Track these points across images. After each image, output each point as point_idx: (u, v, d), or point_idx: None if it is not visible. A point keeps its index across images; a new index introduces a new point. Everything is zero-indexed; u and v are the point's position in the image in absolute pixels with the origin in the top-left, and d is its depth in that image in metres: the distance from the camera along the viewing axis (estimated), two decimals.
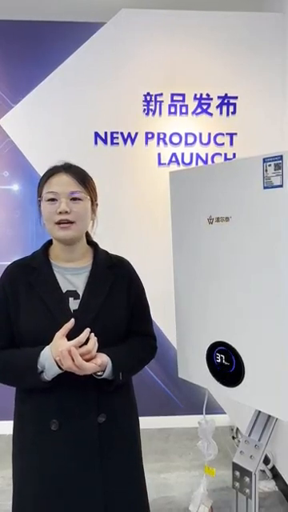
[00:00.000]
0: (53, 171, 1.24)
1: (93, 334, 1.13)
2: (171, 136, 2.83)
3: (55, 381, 1.14)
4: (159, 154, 2.83)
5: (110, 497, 1.20)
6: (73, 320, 1.14)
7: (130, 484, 1.27)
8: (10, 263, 1.30)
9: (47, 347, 1.14)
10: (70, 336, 1.12)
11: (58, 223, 1.19)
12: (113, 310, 1.23)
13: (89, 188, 1.25)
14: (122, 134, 2.80)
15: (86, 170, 1.28)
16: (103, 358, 1.15)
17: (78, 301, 1.21)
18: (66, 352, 1.08)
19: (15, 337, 1.23)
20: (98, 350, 1.15)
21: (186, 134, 2.83)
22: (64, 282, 1.24)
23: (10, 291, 1.23)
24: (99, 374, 1.16)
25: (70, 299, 1.21)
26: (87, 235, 1.33)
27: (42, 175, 1.27)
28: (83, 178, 1.24)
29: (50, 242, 1.31)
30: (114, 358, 1.18)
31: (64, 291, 1.22)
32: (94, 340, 1.13)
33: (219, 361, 1.41)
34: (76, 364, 1.09)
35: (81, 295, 1.22)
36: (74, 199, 1.20)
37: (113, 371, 1.17)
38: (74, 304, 1.21)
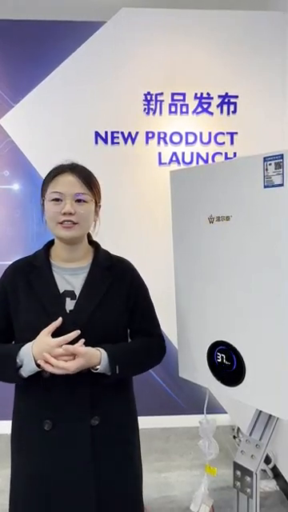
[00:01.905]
0: (58, 170, 1.23)
1: (82, 340, 1.13)
2: (172, 135, 2.83)
3: (33, 379, 1.15)
4: (160, 154, 2.82)
5: (103, 498, 1.20)
6: (60, 319, 1.14)
7: (124, 486, 1.26)
8: (12, 262, 1.31)
9: (29, 343, 1.15)
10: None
11: (62, 223, 1.19)
12: (109, 311, 1.23)
13: (94, 190, 1.24)
14: (122, 133, 2.80)
15: (91, 171, 1.28)
16: (86, 349, 1.13)
17: (75, 301, 1.21)
18: (44, 355, 1.10)
19: (14, 335, 1.24)
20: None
21: (187, 134, 2.83)
22: (62, 282, 1.24)
23: (11, 289, 1.24)
24: (96, 367, 1.15)
25: (67, 299, 1.21)
26: (88, 235, 1.33)
27: (46, 173, 1.27)
28: (89, 180, 1.24)
29: (51, 242, 1.31)
30: (110, 351, 1.17)
31: (61, 291, 1.22)
32: (79, 344, 1.13)
33: (220, 360, 1.41)
34: (54, 365, 1.09)
35: (77, 296, 1.22)
36: (79, 201, 1.20)
37: (109, 364, 1.16)
38: (70, 304, 1.21)
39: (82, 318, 1.18)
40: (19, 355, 1.14)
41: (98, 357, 1.15)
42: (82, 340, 1.13)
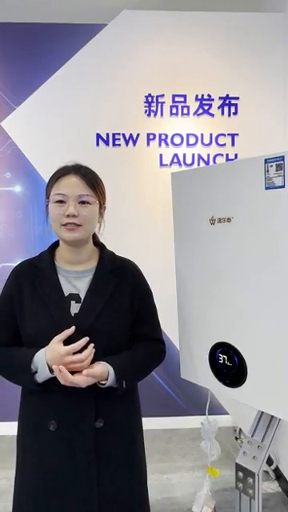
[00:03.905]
0: (62, 172, 1.22)
1: (92, 344, 1.14)
2: (173, 137, 2.83)
3: (46, 385, 1.15)
4: (161, 155, 2.83)
5: (106, 499, 1.20)
6: (73, 327, 1.14)
7: (128, 486, 1.26)
8: (17, 264, 1.30)
9: (42, 349, 1.15)
10: (70, 340, 1.13)
11: (65, 225, 1.19)
12: (113, 315, 1.22)
13: (98, 191, 1.23)
14: (123, 135, 2.80)
15: (95, 172, 1.27)
16: (100, 368, 1.15)
17: (80, 304, 1.21)
18: (60, 368, 1.10)
19: (21, 337, 1.24)
20: (100, 357, 1.16)
21: (188, 135, 2.83)
22: (67, 285, 1.23)
23: (16, 291, 1.24)
24: (103, 382, 1.16)
25: (72, 302, 1.21)
26: (94, 237, 1.32)
27: (47, 175, 1.26)
28: (93, 181, 1.22)
29: (56, 243, 1.30)
30: (116, 366, 1.18)
31: (66, 294, 1.21)
32: (89, 350, 1.13)
33: (221, 361, 1.41)
34: (68, 380, 1.10)
35: (82, 299, 1.22)
36: (83, 202, 1.19)
37: (116, 379, 1.17)
38: (75, 307, 1.20)
39: (86, 322, 1.18)
40: (33, 362, 1.14)
41: (106, 372, 1.16)
42: (92, 345, 1.14)
